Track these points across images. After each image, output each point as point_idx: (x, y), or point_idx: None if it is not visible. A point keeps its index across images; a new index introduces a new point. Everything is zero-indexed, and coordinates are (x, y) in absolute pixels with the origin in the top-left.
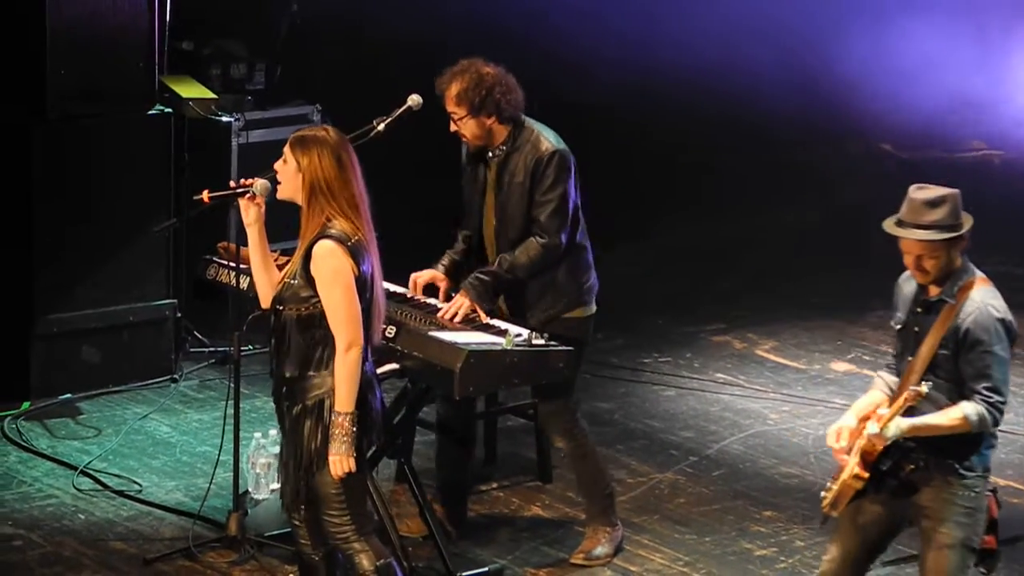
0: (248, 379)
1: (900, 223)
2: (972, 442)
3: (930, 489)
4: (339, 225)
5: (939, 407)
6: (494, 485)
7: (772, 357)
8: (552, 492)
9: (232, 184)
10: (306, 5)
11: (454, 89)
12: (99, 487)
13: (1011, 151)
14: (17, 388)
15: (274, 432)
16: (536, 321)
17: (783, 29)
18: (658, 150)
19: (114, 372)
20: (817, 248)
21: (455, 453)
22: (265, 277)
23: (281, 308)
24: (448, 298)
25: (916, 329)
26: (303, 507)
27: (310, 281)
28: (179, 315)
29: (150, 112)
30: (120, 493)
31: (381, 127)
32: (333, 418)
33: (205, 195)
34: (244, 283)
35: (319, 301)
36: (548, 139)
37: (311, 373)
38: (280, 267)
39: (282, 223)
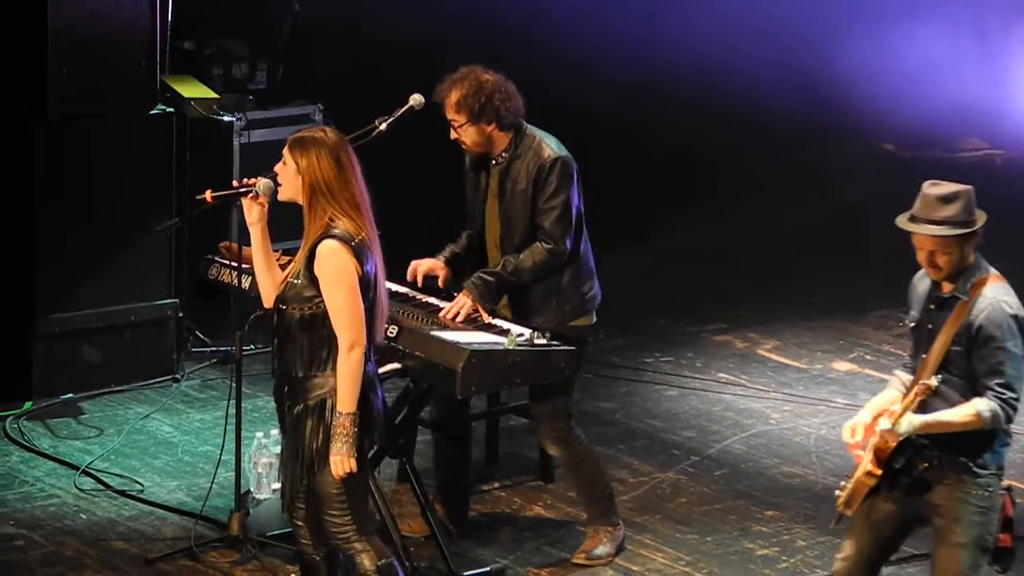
0: (250, 379)
1: (913, 218)
2: (986, 440)
3: (943, 487)
4: (343, 225)
5: (952, 404)
6: (496, 485)
7: (774, 357)
8: (554, 492)
9: (235, 184)
10: (308, 5)
11: (454, 96)
12: (101, 487)
13: (1012, 151)
14: (19, 388)
15: (276, 432)
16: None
17: (783, 29)
18: (659, 150)
19: (116, 372)
20: (817, 248)
21: (451, 452)
22: (268, 277)
23: (284, 308)
24: (448, 289)
25: (930, 326)
26: (303, 507)
27: (314, 281)
28: (181, 315)
29: (152, 112)
30: (122, 493)
31: (383, 127)
32: (335, 418)
33: (208, 195)
34: (246, 283)
35: (322, 301)
36: (550, 146)
37: (313, 373)
38: (282, 267)
39: (284, 223)
